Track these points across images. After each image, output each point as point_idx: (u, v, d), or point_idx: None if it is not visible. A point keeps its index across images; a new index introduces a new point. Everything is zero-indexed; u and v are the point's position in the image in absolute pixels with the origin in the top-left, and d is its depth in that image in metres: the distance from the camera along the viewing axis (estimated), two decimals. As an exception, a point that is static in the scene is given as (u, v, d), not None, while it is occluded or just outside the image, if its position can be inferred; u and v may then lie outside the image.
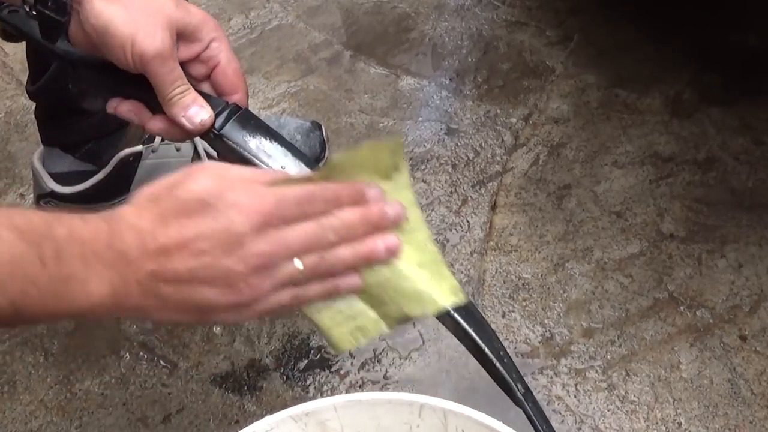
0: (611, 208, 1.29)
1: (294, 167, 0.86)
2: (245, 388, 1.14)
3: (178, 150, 1.26)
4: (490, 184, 1.35)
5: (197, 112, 0.85)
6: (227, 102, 0.88)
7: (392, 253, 0.73)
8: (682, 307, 1.16)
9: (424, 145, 1.43)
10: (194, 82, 0.88)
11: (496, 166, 1.38)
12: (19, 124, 1.56)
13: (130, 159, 1.24)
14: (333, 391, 1.13)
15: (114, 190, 1.27)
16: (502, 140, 1.42)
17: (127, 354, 1.17)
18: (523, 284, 1.21)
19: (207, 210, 0.68)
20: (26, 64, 1.22)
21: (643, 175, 1.33)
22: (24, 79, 1.24)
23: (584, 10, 1.64)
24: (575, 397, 1.09)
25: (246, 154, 0.86)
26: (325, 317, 0.73)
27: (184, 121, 0.85)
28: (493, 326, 1.14)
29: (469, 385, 1.10)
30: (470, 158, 1.39)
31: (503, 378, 0.80)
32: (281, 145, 0.87)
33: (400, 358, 1.15)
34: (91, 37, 0.82)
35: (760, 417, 1.05)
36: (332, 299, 0.74)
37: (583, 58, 1.55)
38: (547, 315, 1.17)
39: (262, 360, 1.16)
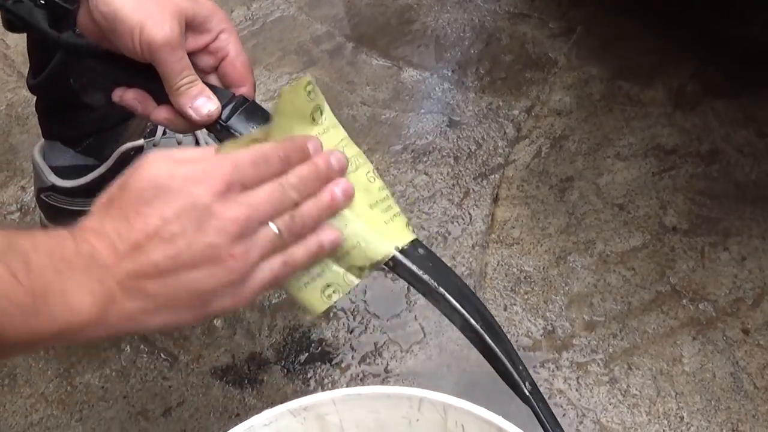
0: (614, 200, 1.29)
1: None
2: (246, 382, 1.13)
3: (179, 144, 1.26)
4: (492, 176, 1.35)
5: (204, 103, 0.84)
6: (234, 94, 0.88)
7: (350, 196, 0.74)
8: (684, 301, 1.16)
9: (426, 137, 1.42)
10: (202, 73, 0.87)
11: (499, 158, 1.37)
12: (21, 116, 1.55)
13: (132, 153, 1.24)
14: (334, 385, 1.13)
15: (115, 183, 1.26)
16: (505, 132, 1.41)
17: (128, 347, 1.17)
18: (525, 277, 1.21)
19: (164, 193, 0.66)
20: (27, 56, 1.21)
21: (646, 167, 1.33)
22: (25, 71, 1.23)
23: (587, 1, 1.64)
24: (577, 390, 1.09)
25: None
26: (291, 280, 0.73)
27: (190, 111, 0.84)
28: (494, 319, 1.14)
29: (470, 378, 1.10)
30: (472, 150, 1.39)
31: (510, 374, 0.80)
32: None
33: (402, 352, 1.15)
34: (99, 25, 0.82)
35: (763, 411, 1.05)
36: (320, 260, 0.73)
37: (585, 50, 1.54)
38: (549, 308, 1.17)
39: (263, 353, 1.16)
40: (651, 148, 1.36)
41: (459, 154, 1.39)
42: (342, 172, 0.75)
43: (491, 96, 1.48)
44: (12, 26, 0.93)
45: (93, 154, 1.25)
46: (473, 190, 1.33)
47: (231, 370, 1.15)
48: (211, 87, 0.86)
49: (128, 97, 0.88)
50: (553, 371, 1.11)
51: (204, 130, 1.26)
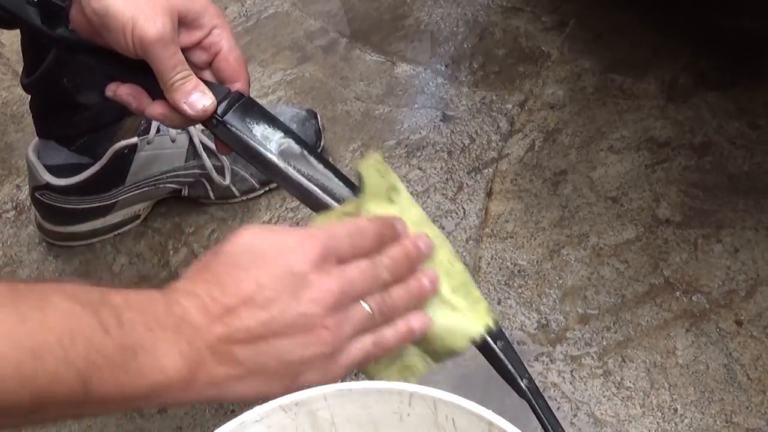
0: (607, 193, 1.29)
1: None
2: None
3: (173, 141, 1.26)
4: (486, 170, 1.35)
5: (199, 98, 0.84)
6: (230, 90, 0.88)
7: (436, 285, 0.74)
8: (677, 293, 1.16)
9: (420, 132, 1.42)
10: (195, 69, 0.87)
11: (492, 152, 1.38)
12: (16, 114, 1.56)
13: (125, 151, 1.24)
14: (329, 380, 1.13)
15: (109, 182, 1.27)
16: (498, 126, 1.42)
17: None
18: (518, 271, 1.21)
19: (260, 259, 0.66)
20: (22, 55, 1.22)
21: (639, 160, 1.33)
22: (20, 69, 1.24)
23: (580, -6, 1.64)
24: (571, 383, 1.09)
25: (249, 140, 0.85)
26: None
27: (185, 107, 0.84)
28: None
29: (464, 372, 1.10)
30: (466, 145, 1.39)
31: (507, 369, 0.80)
32: (284, 133, 0.87)
33: (396, 346, 1.15)
34: (91, 21, 0.82)
35: (756, 402, 1.05)
36: (408, 343, 0.74)
37: (578, 43, 1.54)
38: (543, 301, 1.17)
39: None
40: (644, 140, 1.36)
41: (452, 149, 1.39)
42: (429, 256, 0.75)
43: (484, 90, 1.48)
44: (3, 22, 0.93)
45: (87, 153, 1.25)
46: (467, 184, 1.33)
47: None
48: (206, 83, 0.86)
49: (122, 92, 0.88)
50: (547, 364, 1.11)
51: (197, 128, 1.28)
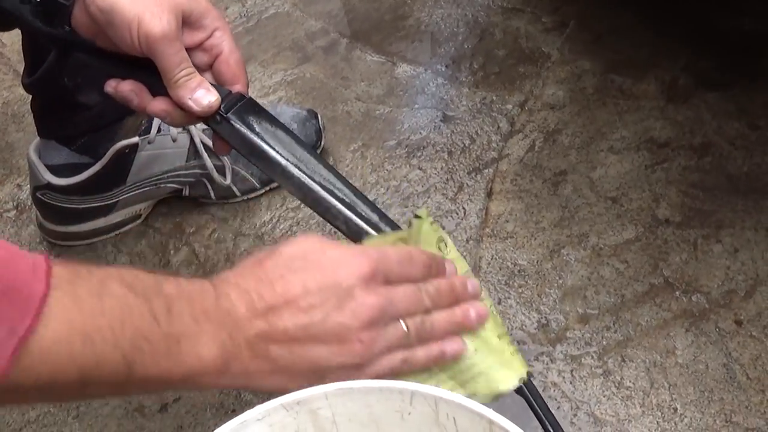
0: (607, 193, 1.29)
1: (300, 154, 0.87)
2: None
3: (174, 141, 1.27)
4: (486, 170, 1.35)
5: (204, 95, 0.85)
6: (230, 91, 0.89)
7: (482, 320, 0.76)
8: (677, 293, 1.16)
9: (420, 132, 1.43)
10: (196, 70, 0.88)
11: (492, 152, 1.38)
12: (17, 114, 1.56)
13: (126, 150, 1.24)
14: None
15: (110, 181, 1.27)
16: (498, 127, 1.42)
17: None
18: (518, 271, 1.22)
19: (312, 266, 0.68)
20: (23, 55, 1.22)
21: (639, 160, 1.33)
22: (21, 69, 1.24)
23: (580, -5, 1.64)
24: (571, 383, 1.09)
25: (253, 137, 0.86)
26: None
27: (190, 103, 0.85)
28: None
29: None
30: (466, 145, 1.40)
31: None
32: (286, 133, 0.88)
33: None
34: (96, 20, 0.82)
35: (755, 402, 1.05)
36: (438, 366, 0.75)
37: (578, 44, 1.54)
38: (543, 301, 1.18)
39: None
40: (644, 141, 1.36)
41: (453, 149, 1.39)
42: (475, 297, 0.77)
43: (485, 91, 1.49)
44: (1, 24, 0.93)
45: (88, 152, 1.25)
46: (467, 184, 1.34)
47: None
48: None
49: (124, 88, 0.88)
50: (547, 364, 1.11)
51: (198, 128, 1.28)
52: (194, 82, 0.85)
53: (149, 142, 1.25)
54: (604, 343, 1.12)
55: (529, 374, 0.78)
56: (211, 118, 0.87)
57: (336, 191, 0.85)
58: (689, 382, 1.08)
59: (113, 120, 1.24)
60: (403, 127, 1.44)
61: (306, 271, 0.68)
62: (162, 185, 1.30)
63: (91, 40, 0.87)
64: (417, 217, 0.81)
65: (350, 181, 0.87)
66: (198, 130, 1.28)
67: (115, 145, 1.23)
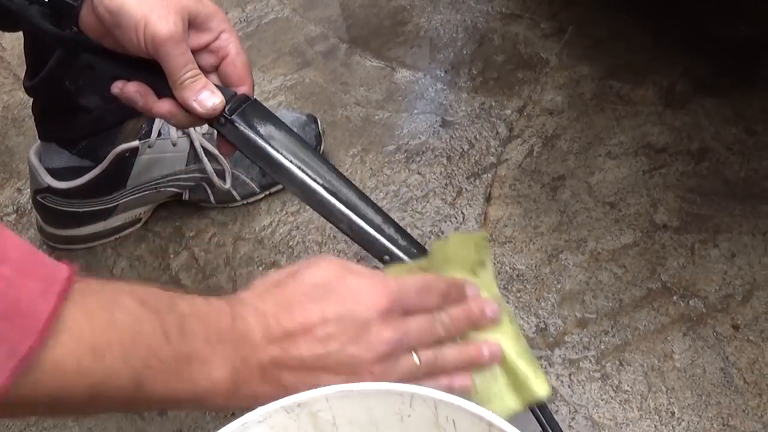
0: (605, 198, 1.30)
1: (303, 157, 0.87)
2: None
3: (174, 145, 1.27)
4: (485, 175, 1.36)
5: (209, 97, 0.86)
6: (236, 92, 0.89)
7: (495, 359, 0.76)
8: (675, 297, 1.17)
9: (419, 138, 1.43)
10: (202, 72, 0.88)
11: (491, 157, 1.38)
12: (17, 118, 1.56)
13: (126, 154, 1.25)
14: (329, 383, 1.13)
15: (110, 185, 1.27)
16: (497, 132, 1.42)
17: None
18: (517, 275, 1.22)
19: (331, 295, 0.68)
20: (24, 59, 1.22)
21: (637, 165, 1.34)
22: (21, 73, 1.24)
23: (578, 1, 1.65)
24: (569, 387, 1.10)
25: (258, 140, 0.87)
26: None
27: (195, 104, 0.85)
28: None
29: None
30: (465, 150, 1.40)
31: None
32: (289, 135, 0.88)
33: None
34: (103, 21, 0.83)
35: (753, 405, 1.06)
36: None
37: (577, 49, 1.55)
38: (541, 306, 1.18)
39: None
40: (641, 146, 1.36)
41: (452, 154, 1.40)
42: (494, 322, 0.77)
43: (484, 96, 1.49)
44: (3, 25, 0.94)
45: (88, 156, 1.26)
46: (466, 189, 1.34)
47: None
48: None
49: (129, 89, 0.89)
50: (545, 368, 1.12)
51: (198, 132, 1.28)
52: (199, 84, 0.85)
53: (149, 146, 1.25)
54: (602, 347, 1.13)
55: (549, 393, 0.79)
56: (215, 120, 0.87)
57: (340, 194, 0.85)
58: (687, 386, 1.08)
59: (114, 123, 1.24)
60: (402, 132, 1.44)
61: (325, 301, 0.68)
62: (162, 189, 1.31)
63: (98, 41, 0.87)
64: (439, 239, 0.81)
65: (353, 183, 0.87)
66: (198, 134, 1.28)
67: (116, 149, 1.24)
